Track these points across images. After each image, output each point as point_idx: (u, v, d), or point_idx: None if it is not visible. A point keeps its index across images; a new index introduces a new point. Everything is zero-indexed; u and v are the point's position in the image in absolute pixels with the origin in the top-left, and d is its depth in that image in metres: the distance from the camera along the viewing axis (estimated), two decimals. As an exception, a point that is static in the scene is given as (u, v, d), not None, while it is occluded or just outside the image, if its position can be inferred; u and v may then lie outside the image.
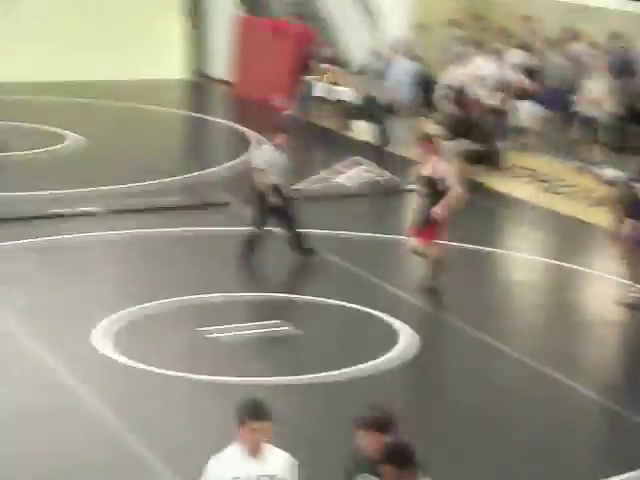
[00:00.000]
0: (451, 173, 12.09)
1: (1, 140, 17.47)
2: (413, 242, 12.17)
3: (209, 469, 5.88)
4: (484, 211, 16.10)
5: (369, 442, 5.57)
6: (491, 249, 14.03)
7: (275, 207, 12.58)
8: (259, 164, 12.60)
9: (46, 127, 19.05)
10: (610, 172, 12.00)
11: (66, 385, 9.67)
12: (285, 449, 5.92)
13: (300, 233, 12.86)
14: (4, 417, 9.08)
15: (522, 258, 13.87)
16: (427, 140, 12.18)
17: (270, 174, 12.46)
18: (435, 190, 11.84)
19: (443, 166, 11.98)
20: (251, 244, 12.54)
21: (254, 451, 5.76)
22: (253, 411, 5.70)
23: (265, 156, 12.64)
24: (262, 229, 12.62)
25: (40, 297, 11.72)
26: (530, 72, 18.78)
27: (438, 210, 11.83)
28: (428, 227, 11.91)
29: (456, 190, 11.95)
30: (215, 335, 10.83)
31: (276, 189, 12.52)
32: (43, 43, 22.57)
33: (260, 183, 12.48)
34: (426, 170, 11.93)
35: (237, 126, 20.13)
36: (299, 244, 12.83)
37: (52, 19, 22.84)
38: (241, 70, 22.85)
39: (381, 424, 5.58)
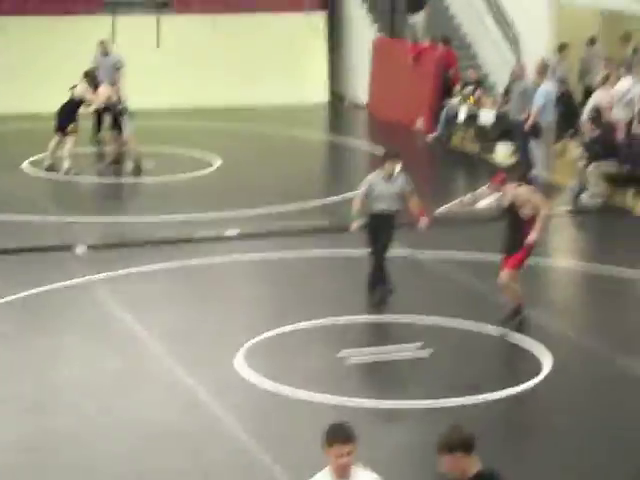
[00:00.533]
0: (536, 195, 11.72)
1: (135, 166, 17.87)
2: (504, 276, 11.58)
3: None
4: (629, 235, 15.71)
5: (454, 464, 5.55)
6: (636, 275, 13.66)
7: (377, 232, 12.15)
8: (362, 191, 12.07)
9: (194, 152, 19.40)
10: None
11: (207, 406, 9.78)
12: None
13: (385, 268, 12.24)
14: (150, 436, 9.26)
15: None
16: (499, 173, 11.92)
17: (376, 202, 12.01)
18: (517, 218, 11.52)
19: (523, 190, 11.62)
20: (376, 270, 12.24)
21: (343, 474, 5.83)
22: (339, 434, 5.80)
23: (371, 184, 12.05)
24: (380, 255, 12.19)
25: (182, 319, 11.90)
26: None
27: (533, 236, 11.46)
28: (516, 255, 11.53)
29: (545, 212, 11.62)
30: (354, 358, 10.80)
31: (380, 217, 12.06)
32: (193, 72, 23.06)
33: (355, 207, 12.10)
34: (506, 199, 11.62)
35: (377, 150, 20.13)
36: (376, 279, 12.21)
37: (202, 49, 23.30)
38: (382, 93, 22.88)
39: (465, 445, 5.56)
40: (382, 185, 12.01)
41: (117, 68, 19.99)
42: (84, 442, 9.16)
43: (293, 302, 12.42)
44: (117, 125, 18.31)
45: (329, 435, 5.81)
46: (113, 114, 18.41)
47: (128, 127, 18.09)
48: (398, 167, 12.19)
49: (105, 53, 20.34)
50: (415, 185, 18.27)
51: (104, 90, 18.48)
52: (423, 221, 12.27)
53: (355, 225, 12.06)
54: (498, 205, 11.99)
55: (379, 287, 12.13)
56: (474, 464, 5.60)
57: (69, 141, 17.85)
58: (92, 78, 18.80)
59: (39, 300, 12.42)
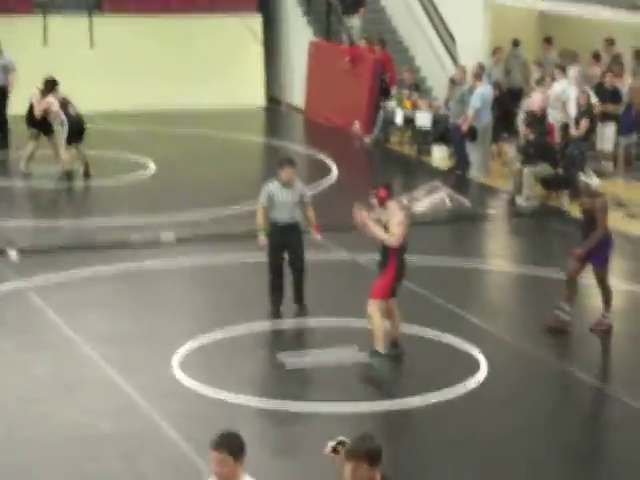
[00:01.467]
0: (395, 218, 10.64)
1: (67, 170, 17.67)
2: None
3: None
4: (564, 237, 15.91)
5: (357, 474, 5.42)
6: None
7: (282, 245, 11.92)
8: (262, 201, 11.90)
9: (130, 156, 19.31)
10: (596, 181, 11.81)
11: (143, 411, 9.76)
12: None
13: (301, 286, 12.05)
14: (86, 441, 9.22)
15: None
16: (380, 188, 10.78)
17: (277, 211, 11.80)
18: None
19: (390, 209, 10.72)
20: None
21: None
22: (215, 441, 5.69)
23: (269, 192, 11.84)
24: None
25: (117, 324, 11.87)
26: (613, 95, 18.58)
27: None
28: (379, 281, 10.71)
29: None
30: (290, 362, 10.83)
31: (279, 228, 11.88)
32: (129, 74, 22.95)
33: (259, 220, 11.93)
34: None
35: (314, 153, 20.21)
36: (272, 293, 12.04)
37: (135, 51, 23.20)
38: (319, 96, 22.95)
39: (372, 455, 5.45)
40: (282, 194, 11.82)
41: (10, 69, 19.61)
42: (19, 448, 9.11)
43: (228, 306, 12.42)
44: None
45: (211, 440, 5.71)
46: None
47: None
48: (293, 174, 11.88)
49: None
50: (354, 187, 18.49)
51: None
52: (317, 234, 12.17)
53: (262, 239, 11.91)
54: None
55: (277, 301, 12.01)
56: (378, 475, 5.51)
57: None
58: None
59: (-30, 306, 12.32)
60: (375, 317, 10.45)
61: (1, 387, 10.34)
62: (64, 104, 17.72)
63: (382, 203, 10.63)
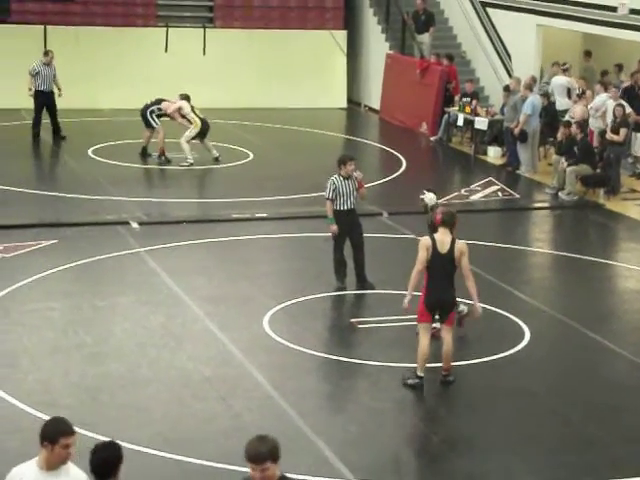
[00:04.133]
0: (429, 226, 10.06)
1: (165, 158, 17.82)
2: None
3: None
4: (600, 227, 15.69)
5: (263, 475, 4.95)
6: (605, 260, 13.64)
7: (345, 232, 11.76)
8: (329, 195, 11.70)
9: (233, 146, 19.41)
10: (430, 196, 10.80)
11: (238, 361, 9.82)
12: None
13: (362, 263, 11.81)
14: (190, 384, 9.29)
15: (633, 269, 13.42)
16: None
17: (341, 201, 11.62)
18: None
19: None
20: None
21: (56, 465, 5.24)
22: (64, 428, 5.19)
23: (336, 185, 11.67)
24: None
25: (217, 287, 11.94)
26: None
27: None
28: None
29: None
30: (364, 325, 10.82)
31: (343, 215, 11.71)
32: (233, 77, 23.06)
33: (328, 212, 11.73)
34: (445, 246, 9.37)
35: (387, 148, 20.12)
36: (338, 269, 11.84)
37: (240, 59, 23.30)
38: (393, 101, 22.80)
39: (273, 454, 4.95)
40: (343, 185, 11.69)
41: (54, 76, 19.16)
42: (135, 386, 9.23)
43: (311, 276, 12.42)
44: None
45: (52, 430, 5.16)
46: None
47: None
48: (353, 167, 11.74)
49: (48, 63, 19.09)
50: (419, 178, 18.36)
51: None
52: (358, 175, 11.80)
53: (334, 228, 11.74)
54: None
55: (343, 275, 11.86)
56: (277, 469, 5.03)
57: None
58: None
59: (99, 266, 12.49)
60: (420, 340, 9.35)
61: (122, 333, 10.47)
62: (193, 109, 17.98)
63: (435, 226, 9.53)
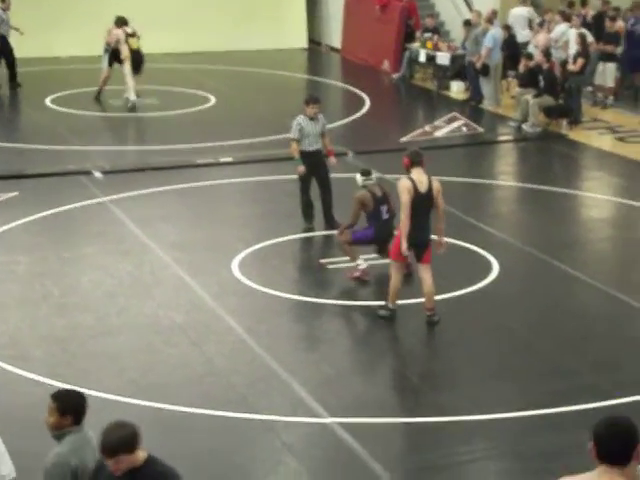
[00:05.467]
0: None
1: (132, 103, 17.55)
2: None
3: None
4: (564, 158, 15.73)
5: (119, 465, 4.79)
6: (570, 191, 13.69)
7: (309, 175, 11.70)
8: (294, 134, 11.63)
9: (192, 90, 19.16)
10: (359, 177, 10.41)
11: (209, 306, 9.78)
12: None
13: (330, 204, 11.82)
14: (162, 331, 9.25)
15: (598, 198, 13.50)
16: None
17: (306, 141, 11.58)
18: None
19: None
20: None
21: None
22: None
23: (301, 125, 11.59)
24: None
25: (185, 234, 11.84)
26: (613, 37, 18.11)
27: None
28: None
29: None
30: (334, 266, 10.81)
31: (309, 155, 11.65)
32: (188, 19, 22.67)
33: (294, 152, 11.67)
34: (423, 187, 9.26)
35: (350, 87, 19.95)
36: (306, 210, 11.80)
37: (196, 1, 22.88)
38: (353, 39, 22.57)
39: (127, 444, 4.76)
40: (310, 126, 11.63)
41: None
42: (105, 336, 9.17)
43: (277, 218, 12.35)
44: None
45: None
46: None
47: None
48: (318, 110, 11.69)
49: (6, 8, 18.83)
50: (383, 117, 18.27)
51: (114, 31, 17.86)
52: (332, 159, 11.92)
53: (300, 168, 11.65)
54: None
55: (311, 216, 11.82)
56: (140, 454, 4.83)
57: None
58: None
59: (63, 217, 12.33)
60: (392, 276, 9.37)
61: (90, 283, 10.38)
62: (128, 37, 17.46)
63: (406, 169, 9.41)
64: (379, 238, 10.45)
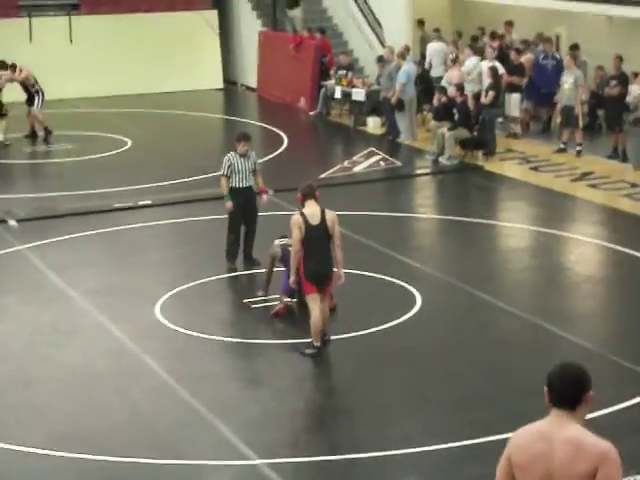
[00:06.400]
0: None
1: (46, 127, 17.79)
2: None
3: None
4: (481, 189, 16.00)
5: None
6: (488, 221, 13.92)
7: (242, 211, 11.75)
8: (224, 171, 11.65)
9: (108, 134, 19.02)
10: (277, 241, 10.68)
11: (132, 352, 9.65)
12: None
13: (252, 243, 11.84)
14: (83, 379, 9.10)
15: (515, 228, 13.75)
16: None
17: (236, 178, 11.60)
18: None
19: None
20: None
21: None
22: None
23: (231, 162, 11.64)
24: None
25: (105, 279, 11.71)
26: (517, 69, 18.59)
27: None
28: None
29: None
30: (258, 305, 10.78)
31: (239, 192, 11.68)
32: (103, 64, 22.53)
33: (223, 188, 11.73)
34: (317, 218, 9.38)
35: (267, 126, 20.04)
36: (232, 250, 11.82)
37: (109, 45, 22.76)
38: (269, 78, 22.72)
39: None
40: (240, 163, 11.67)
41: None
42: (25, 386, 8.98)
43: (199, 260, 12.29)
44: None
45: None
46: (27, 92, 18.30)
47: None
48: (249, 147, 11.76)
49: None
50: (301, 154, 18.38)
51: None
52: (264, 197, 12.00)
53: (229, 204, 11.68)
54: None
55: (235, 256, 11.82)
56: None
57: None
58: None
59: (-22, 268, 12.08)
60: (312, 311, 9.34)
61: (8, 333, 10.18)
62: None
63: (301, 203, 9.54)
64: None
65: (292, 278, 9.42)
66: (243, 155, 11.72)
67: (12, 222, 13.75)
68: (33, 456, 7.68)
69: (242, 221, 11.86)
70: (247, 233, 11.93)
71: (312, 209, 9.38)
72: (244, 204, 11.79)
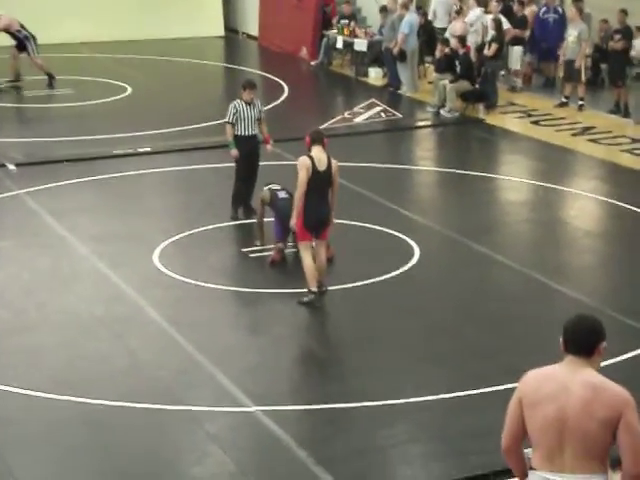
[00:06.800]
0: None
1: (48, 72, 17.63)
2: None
3: None
4: (481, 142, 15.94)
5: None
6: (488, 174, 13.88)
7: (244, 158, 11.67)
8: (229, 118, 11.55)
9: (107, 80, 18.89)
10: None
11: (130, 298, 9.67)
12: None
13: (248, 189, 11.79)
14: (81, 326, 9.12)
15: (515, 181, 13.72)
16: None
17: (242, 126, 11.51)
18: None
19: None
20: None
21: None
22: None
23: (237, 110, 11.52)
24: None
25: (104, 225, 11.69)
26: (521, 21, 18.42)
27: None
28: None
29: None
30: (256, 255, 10.79)
31: (244, 140, 11.60)
32: (101, 7, 22.30)
33: (228, 135, 11.60)
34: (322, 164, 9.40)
35: (268, 75, 19.90)
36: (238, 198, 11.76)
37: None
38: (271, 27, 22.51)
39: None
40: (245, 110, 11.59)
41: None
42: (24, 331, 9.00)
43: (200, 208, 12.28)
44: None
45: None
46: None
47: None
48: (254, 95, 11.69)
49: None
50: (302, 104, 18.28)
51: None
52: (269, 146, 11.88)
53: (234, 151, 11.60)
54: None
55: (242, 206, 11.80)
56: None
57: None
58: None
59: (-23, 212, 12.07)
60: (304, 258, 9.45)
61: (6, 279, 10.18)
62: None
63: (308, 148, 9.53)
64: (282, 219, 10.36)
65: (293, 220, 9.40)
66: (249, 103, 11.64)
67: (11, 166, 13.71)
68: (33, 399, 7.72)
69: (247, 168, 11.80)
70: (248, 181, 11.89)
71: (319, 155, 9.38)
72: (249, 152, 11.73)
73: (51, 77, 18.11)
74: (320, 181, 9.31)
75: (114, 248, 10.96)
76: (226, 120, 11.70)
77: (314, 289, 9.44)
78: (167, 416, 7.60)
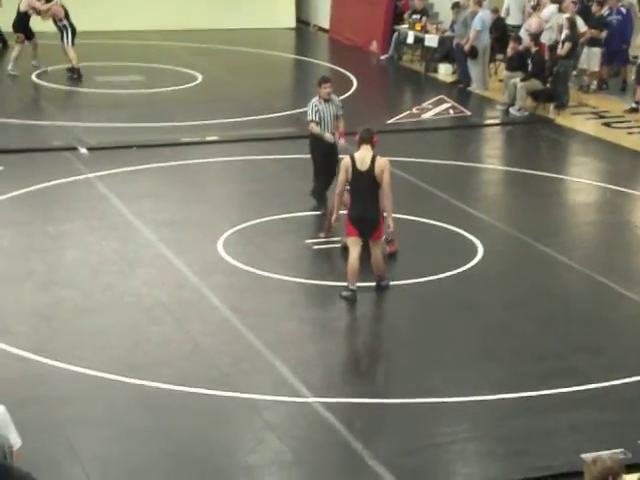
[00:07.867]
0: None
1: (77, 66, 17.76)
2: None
3: None
4: (550, 142, 15.76)
5: None
6: (556, 175, 13.73)
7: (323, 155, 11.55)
8: (312, 117, 11.40)
9: (178, 68, 19.08)
10: None
11: (194, 285, 9.78)
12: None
13: (328, 185, 11.60)
14: (146, 310, 9.25)
15: (583, 183, 13.55)
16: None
17: (321, 124, 11.37)
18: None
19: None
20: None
21: None
22: None
23: (316, 108, 11.38)
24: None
25: (170, 212, 11.82)
26: (598, 22, 18.14)
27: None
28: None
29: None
30: (320, 247, 10.82)
31: (323, 140, 11.44)
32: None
33: (316, 131, 11.45)
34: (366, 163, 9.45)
35: (338, 68, 19.91)
36: (322, 194, 11.66)
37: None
38: (342, 20, 22.50)
39: None
40: (325, 110, 11.46)
41: None
42: (90, 313, 9.16)
43: (266, 198, 12.35)
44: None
45: None
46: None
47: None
48: (331, 89, 11.51)
49: None
50: (370, 98, 18.25)
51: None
52: (341, 141, 11.62)
53: (328, 135, 11.39)
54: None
55: (325, 198, 11.70)
56: None
57: (15, 48, 18.00)
58: None
59: (48, 193, 12.29)
60: (350, 253, 9.48)
61: (74, 260, 10.36)
62: (66, 12, 17.95)
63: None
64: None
65: (333, 217, 9.81)
66: (327, 100, 11.48)
67: (83, 150, 13.94)
68: (98, 379, 7.86)
69: (325, 168, 11.66)
70: (325, 179, 11.75)
71: (363, 154, 9.40)
72: (327, 151, 11.56)
73: (72, 71, 17.95)
74: (362, 181, 9.32)
75: (179, 234, 11.09)
76: (310, 119, 11.50)
77: (352, 287, 9.44)
78: (225, 402, 7.68)
